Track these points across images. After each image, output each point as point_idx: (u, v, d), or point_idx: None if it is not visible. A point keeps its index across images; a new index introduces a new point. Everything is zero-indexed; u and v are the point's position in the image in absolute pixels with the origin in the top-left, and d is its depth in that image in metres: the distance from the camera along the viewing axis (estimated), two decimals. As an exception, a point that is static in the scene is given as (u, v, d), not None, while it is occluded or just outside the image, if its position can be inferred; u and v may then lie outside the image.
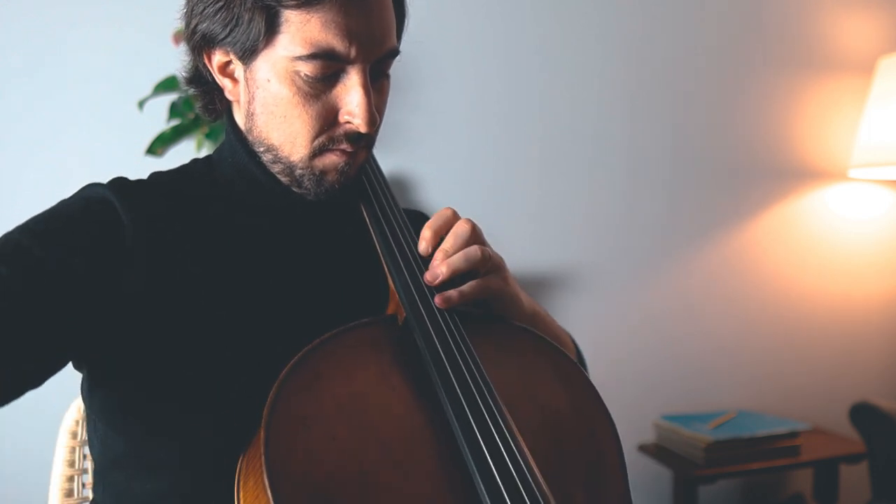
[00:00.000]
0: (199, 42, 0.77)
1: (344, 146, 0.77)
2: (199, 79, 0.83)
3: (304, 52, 0.72)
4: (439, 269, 0.76)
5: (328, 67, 0.73)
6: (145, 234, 0.74)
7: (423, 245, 0.78)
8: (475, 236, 0.79)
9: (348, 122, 0.76)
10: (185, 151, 1.69)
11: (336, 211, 0.88)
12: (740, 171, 2.22)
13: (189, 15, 0.77)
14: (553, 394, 0.75)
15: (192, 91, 0.85)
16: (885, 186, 2.34)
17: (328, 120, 0.75)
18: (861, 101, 2.26)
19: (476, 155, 2.02)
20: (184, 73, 0.84)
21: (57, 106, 1.73)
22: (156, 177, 0.84)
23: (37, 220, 0.73)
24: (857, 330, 2.35)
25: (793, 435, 1.93)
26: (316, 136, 0.76)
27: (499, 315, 0.82)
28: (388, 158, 1.90)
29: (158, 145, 1.67)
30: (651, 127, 2.14)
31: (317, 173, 0.78)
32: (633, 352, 2.14)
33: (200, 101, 0.86)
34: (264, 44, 0.73)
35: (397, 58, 0.80)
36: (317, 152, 0.77)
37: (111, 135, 1.75)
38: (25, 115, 1.71)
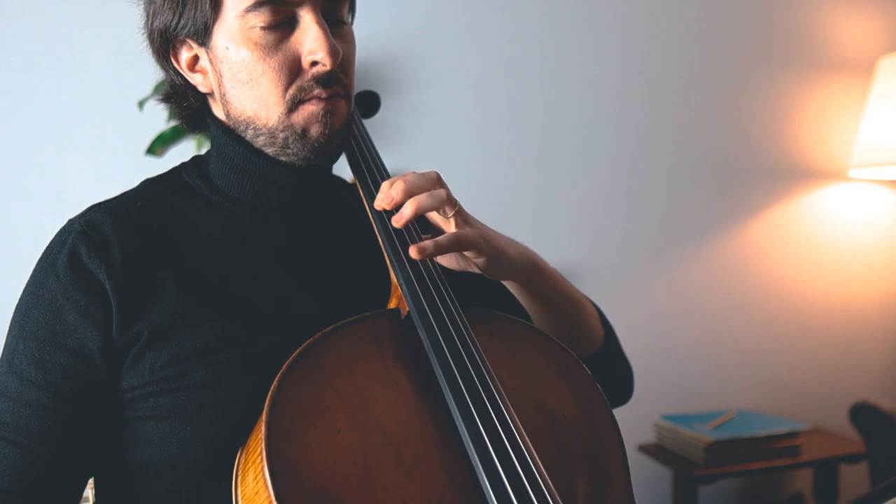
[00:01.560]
0: (161, 44, 0.79)
1: (317, 92, 0.76)
2: (175, 90, 0.84)
3: (249, 2, 0.73)
4: (405, 209, 0.74)
5: (278, 13, 0.74)
6: (122, 275, 0.73)
7: (380, 196, 0.77)
8: (441, 183, 0.78)
9: (313, 65, 0.75)
10: (185, 151, 1.69)
11: (336, 204, 0.87)
12: (740, 171, 2.22)
13: (146, 22, 0.79)
14: (556, 391, 0.75)
15: (172, 106, 0.86)
16: (885, 186, 2.34)
17: (293, 69, 0.75)
18: (861, 101, 2.26)
19: (476, 155, 2.02)
20: (160, 95, 0.86)
21: (57, 106, 1.73)
22: (144, 186, 0.84)
23: (23, 335, 0.74)
24: (857, 330, 2.35)
25: (793, 435, 1.93)
26: (286, 89, 0.76)
27: (503, 314, 0.81)
28: (389, 159, 1.89)
29: (158, 145, 1.67)
30: (651, 127, 2.14)
31: (298, 130, 0.77)
32: (633, 352, 2.11)
33: (178, 111, 0.86)
34: (213, 14, 0.74)
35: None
36: (291, 106, 0.76)
37: (111, 135, 1.75)
38: (25, 115, 1.71)
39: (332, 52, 0.74)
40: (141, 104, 1.65)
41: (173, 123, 1.67)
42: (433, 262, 0.78)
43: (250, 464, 0.63)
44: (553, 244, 2.07)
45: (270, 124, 0.77)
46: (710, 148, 2.20)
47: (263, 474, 0.59)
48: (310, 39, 0.74)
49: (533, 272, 0.84)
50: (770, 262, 2.26)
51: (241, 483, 0.64)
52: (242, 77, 0.76)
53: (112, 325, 0.72)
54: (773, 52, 2.24)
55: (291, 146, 0.78)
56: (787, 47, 2.25)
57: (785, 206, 2.26)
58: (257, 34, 0.74)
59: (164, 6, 0.76)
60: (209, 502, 0.70)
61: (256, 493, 0.60)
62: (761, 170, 2.24)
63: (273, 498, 0.57)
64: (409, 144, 1.94)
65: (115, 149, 1.74)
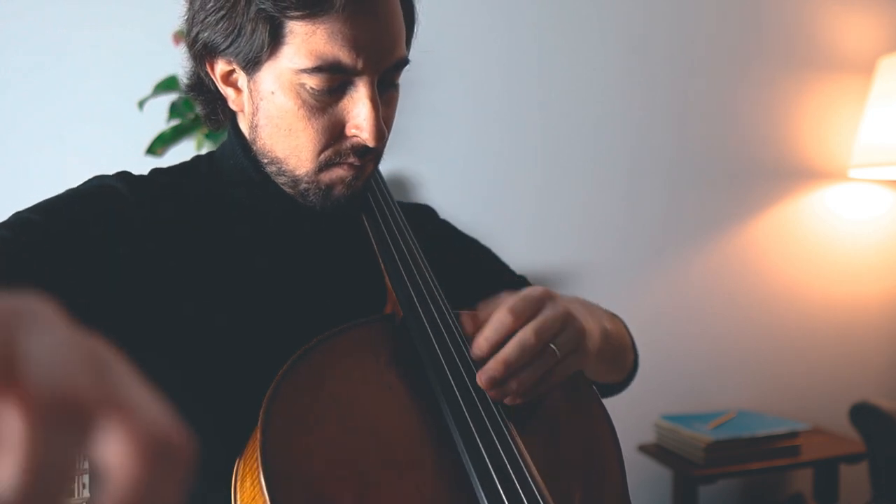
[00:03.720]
0: (200, 50, 0.75)
1: (351, 160, 0.75)
2: (202, 87, 0.81)
3: (309, 64, 0.69)
4: (494, 369, 0.66)
5: (334, 80, 0.71)
6: (148, 224, 0.73)
7: (483, 345, 0.68)
8: (538, 307, 0.69)
9: (355, 136, 0.73)
10: (185, 151, 1.69)
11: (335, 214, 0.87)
12: (740, 172, 2.22)
13: (190, 23, 0.75)
14: (551, 393, 0.75)
15: (194, 98, 0.84)
16: (885, 186, 2.34)
17: (334, 133, 0.73)
18: (861, 101, 2.26)
19: (476, 155, 2.02)
20: (185, 80, 0.82)
21: (57, 106, 1.73)
22: (156, 173, 0.83)
23: (47, 199, 0.74)
24: (857, 330, 2.35)
25: (793, 435, 1.93)
26: (322, 150, 0.74)
27: None
28: (389, 158, 1.88)
29: (158, 145, 1.67)
30: (651, 128, 2.14)
31: (323, 187, 0.76)
32: (633, 352, 2.14)
33: (203, 110, 0.84)
34: (268, 55, 0.71)
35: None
36: (323, 167, 0.75)
37: (111, 135, 1.75)
38: (25, 115, 1.72)
39: (378, 137, 0.72)
40: (141, 104, 1.65)
41: (173, 123, 1.68)
42: (426, 266, 0.79)
43: (247, 470, 0.63)
44: (553, 244, 2.07)
45: (297, 174, 0.76)
46: (710, 148, 2.20)
47: (259, 481, 0.59)
48: (360, 116, 0.72)
49: (606, 341, 0.82)
50: (770, 262, 2.26)
51: (240, 489, 0.64)
52: (281, 125, 0.74)
53: (112, 261, 0.70)
54: (773, 51, 2.24)
55: (311, 198, 0.77)
56: (787, 47, 2.25)
57: (785, 206, 2.26)
58: (307, 93, 0.71)
59: (216, 25, 0.71)
60: (208, 508, 0.70)
61: (253, 498, 0.60)
62: (761, 170, 2.24)
63: None
64: (409, 144, 1.94)
65: (115, 149, 1.74)
